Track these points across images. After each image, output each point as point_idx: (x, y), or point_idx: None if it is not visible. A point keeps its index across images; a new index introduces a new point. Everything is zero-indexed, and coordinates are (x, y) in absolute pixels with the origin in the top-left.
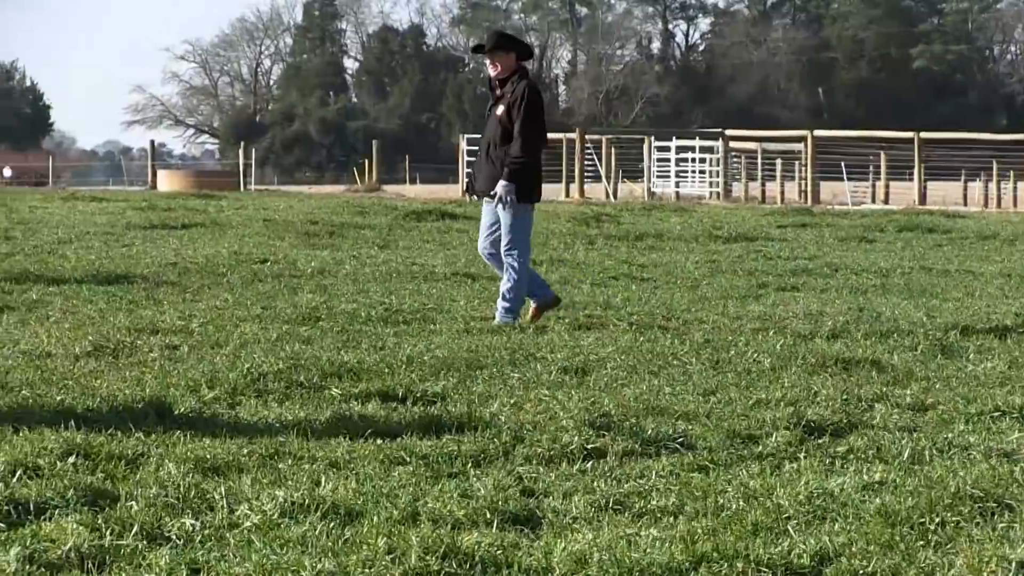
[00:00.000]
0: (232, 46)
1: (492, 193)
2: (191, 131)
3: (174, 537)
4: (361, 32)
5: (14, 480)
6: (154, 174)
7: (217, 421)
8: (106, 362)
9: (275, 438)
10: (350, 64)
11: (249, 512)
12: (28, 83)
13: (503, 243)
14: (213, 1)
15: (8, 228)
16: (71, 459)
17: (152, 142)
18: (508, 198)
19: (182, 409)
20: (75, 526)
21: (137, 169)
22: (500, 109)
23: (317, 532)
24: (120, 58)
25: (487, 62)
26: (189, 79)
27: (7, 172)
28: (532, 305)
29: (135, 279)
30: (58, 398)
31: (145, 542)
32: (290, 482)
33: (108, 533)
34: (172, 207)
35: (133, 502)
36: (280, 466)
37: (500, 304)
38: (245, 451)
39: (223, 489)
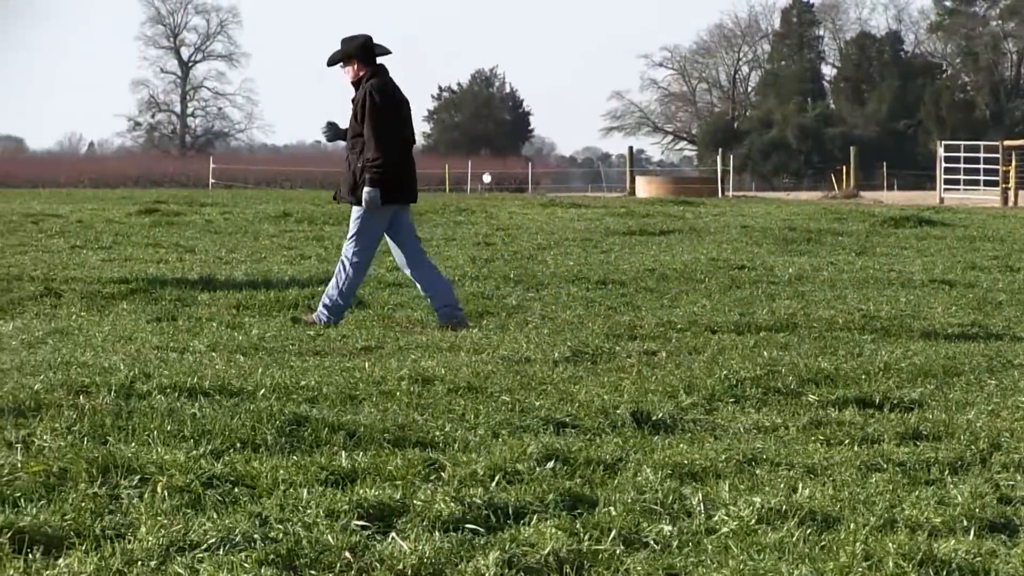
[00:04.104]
0: (710, 52)
1: (352, 200)
2: (669, 137)
3: (651, 542)
4: (839, 38)
5: (493, 485)
6: (632, 180)
7: (694, 427)
8: (584, 368)
9: (752, 444)
10: (827, 70)
11: (726, 518)
12: (508, 89)
13: (349, 234)
14: (691, 8)
15: (488, 234)
16: (550, 464)
17: (630, 148)
18: (373, 202)
19: (660, 415)
20: (553, 531)
21: (615, 175)
22: (351, 113)
23: (794, 539)
24: (598, 64)
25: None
26: (667, 85)
27: (487, 178)
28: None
29: (613, 285)
30: (537, 403)
31: (622, 547)
32: (767, 488)
33: (586, 538)
34: (650, 213)
35: (611, 507)
36: (757, 472)
37: (322, 300)
38: (722, 457)
39: (700, 495)
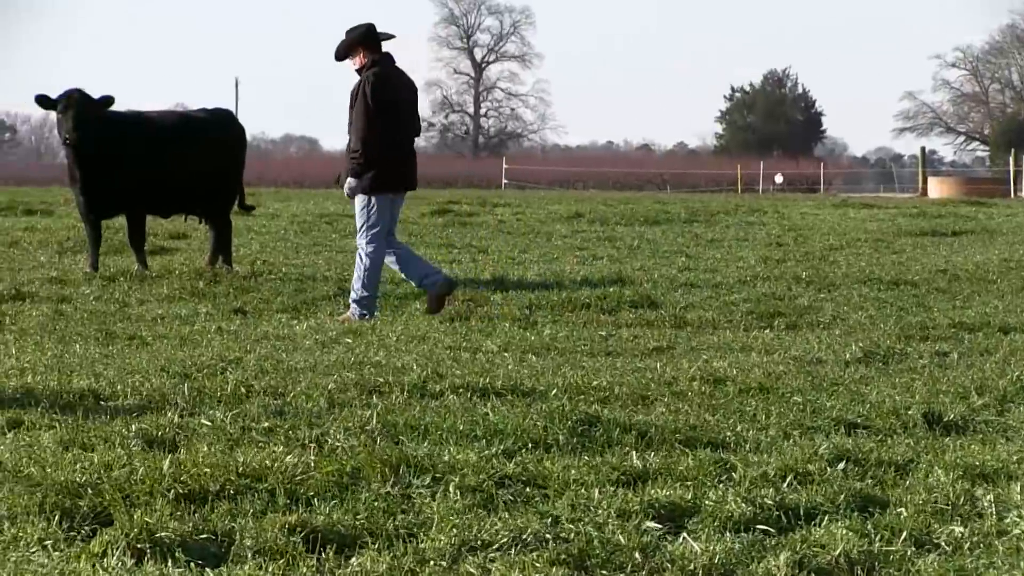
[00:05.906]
0: (1003, 53)
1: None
2: (961, 138)
3: (943, 543)
4: None
5: (784, 485)
6: (924, 181)
7: (986, 428)
8: (876, 368)
9: None
10: None
11: (1018, 519)
12: (800, 90)
13: (358, 225)
14: (983, 8)
15: (780, 234)
16: (841, 465)
17: (922, 149)
18: (352, 192)
19: (951, 416)
20: (844, 531)
21: (907, 176)
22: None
23: None
24: (890, 65)
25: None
26: (959, 86)
27: (779, 179)
28: (428, 294)
29: (905, 285)
30: (828, 404)
31: (913, 548)
32: None
33: (877, 539)
34: (942, 214)
35: (902, 508)
36: None
37: (351, 297)
38: (1014, 458)
39: (992, 496)
